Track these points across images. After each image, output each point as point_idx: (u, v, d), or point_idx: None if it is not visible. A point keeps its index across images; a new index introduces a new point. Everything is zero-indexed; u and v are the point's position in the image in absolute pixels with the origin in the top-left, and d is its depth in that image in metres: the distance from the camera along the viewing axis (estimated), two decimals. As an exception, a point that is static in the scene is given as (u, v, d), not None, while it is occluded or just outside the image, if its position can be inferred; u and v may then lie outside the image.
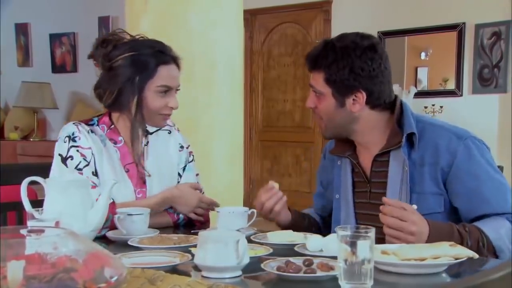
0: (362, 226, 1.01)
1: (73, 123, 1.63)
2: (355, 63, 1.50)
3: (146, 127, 1.67)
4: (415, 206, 1.39)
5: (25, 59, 6.95)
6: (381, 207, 1.36)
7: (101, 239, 1.46)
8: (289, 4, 5.64)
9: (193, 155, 1.80)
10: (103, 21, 6.15)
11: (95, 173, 1.59)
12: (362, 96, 1.52)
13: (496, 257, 1.41)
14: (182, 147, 1.77)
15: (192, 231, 1.54)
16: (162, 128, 1.75)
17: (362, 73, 1.50)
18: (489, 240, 1.39)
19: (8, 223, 1.83)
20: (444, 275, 1.15)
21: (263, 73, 6.02)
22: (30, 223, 1.22)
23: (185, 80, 2.79)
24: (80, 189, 1.38)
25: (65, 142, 1.60)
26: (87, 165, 1.58)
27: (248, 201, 5.47)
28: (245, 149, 3.66)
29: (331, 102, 1.55)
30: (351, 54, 1.51)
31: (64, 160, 1.59)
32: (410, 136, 1.51)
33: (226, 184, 2.85)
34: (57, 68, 6.69)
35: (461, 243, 1.35)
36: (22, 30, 6.91)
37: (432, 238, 1.33)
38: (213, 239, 1.11)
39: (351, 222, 1.61)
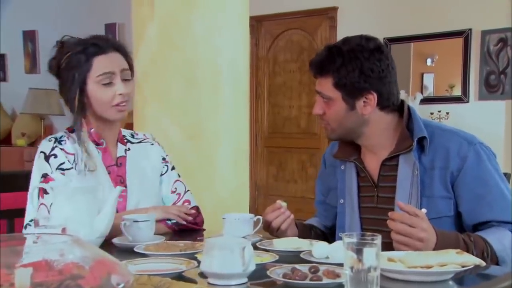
0: (369, 233, 1.01)
1: (64, 132, 1.65)
2: (364, 65, 1.50)
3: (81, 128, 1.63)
4: (424, 210, 1.39)
5: (32, 66, 6.99)
6: (390, 213, 1.35)
7: (108, 245, 1.46)
8: (295, 11, 5.66)
9: (167, 166, 1.78)
10: (110, 28, 6.18)
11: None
12: (373, 98, 1.52)
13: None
14: (163, 158, 1.78)
15: (198, 238, 1.55)
16: (144, 141, 1.76)
17: (372, 75, 1.50)
18: (493, 250, 1.39)
19: (16, 230, 1.83)
20: (450, 282, 1.14)
21: (268, 80, 6.03)
22: (36, 230, 1.22)
23: (190, 86, 2.83)
24: (86, 196, 1.39)
25: (50, 141, 1.61)
26: (71, 168, 1.56)
27: (254, 208, 5.47)
28: (250, 155, 3.66)
29: (341, 106, 1.53)
30: (359, 56, 1.50)
31: (47, 157, 1.57)
32: (420, 140, 1.51)
33: (231, 190, 2.85)
34: (64, 74, 6.72)
35: (467, 252, 1.35)
36: (29, 37, 6.96)
37: (439, 246, 1.32)
38: (219, 246, 1.11)
39: (356, 227, 1.60)
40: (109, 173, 1.64)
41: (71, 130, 1.65)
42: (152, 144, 1.78)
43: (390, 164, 1.56)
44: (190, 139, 2.75)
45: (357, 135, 1.58)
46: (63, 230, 1.20)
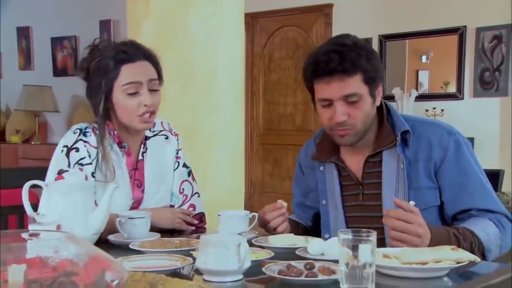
0: (364, 229, 1.01)
1: (90, 124, 1.61)
2: (378, 58, 1.54)
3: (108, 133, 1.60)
4: (412, 202, 1.41)
5: (26, 62, 6.96)
6: (386, 210, 1.36)
7: (103, 242, 1.46)
8: (290, 8, 5.65)
9: (178, 162, 1.74)
10: (105, 25, 6.16)
11: (93, 175, 1.56)
12: (381, 88, 1.55)
13: (484, 257, 1.43)
14: (176, 154, 1.75)
15: (193, 235, 1.54)
16: (159, 133, 1.72)
17: (381, 65, 1.55)
18: (480, 241, 1.41)
19: (9, 226, 1.83)
20: (445, 279, 1.14)
21: (264, 77, 6.03)
22: (31, 227, 1.22)
23: (186, 85, 2.82)
24: (82, 193, 1.38)
25: (74, 133, 1.57)
26: (90, 164, 1.55)
27: (249, 205, 5.47)
28: (246, 152, 3.66)
29: (369, 102, 1.51)
30: (371, 49, 1.54)
31: (68, 151, 1.55)
32: (403, 134, 1.53)
33: (227, 187, 2.85)
34: (59, 71, 6.70)
35: (458, 246, 1.36)
36: (23, 33, 6.92)
37: (433, 242, 1.33)
38: (215, 243, 1.11)
39: (341, 226, 1.61)
40: (130, 177, 1.62)
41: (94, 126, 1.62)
42: (167, 138, 1.73)
43: (373, 160, 1.57)
44: (186, 138, 2.74)
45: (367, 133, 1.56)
46: (58, 227, 1.20)
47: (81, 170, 1.54)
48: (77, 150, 1.55)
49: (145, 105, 1.56)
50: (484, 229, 1.43)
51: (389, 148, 1.53)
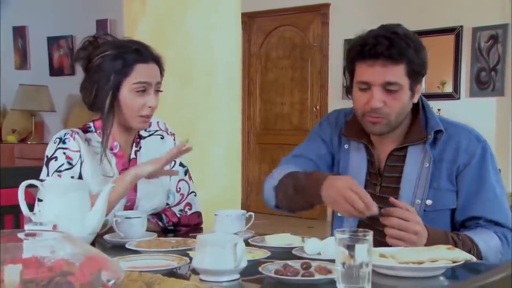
0: (360, 229, 1.01)
1: (71, 130, 1.63)
2: (426, 54, 1.49)
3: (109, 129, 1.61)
4: (429, 202, 1.43)
5: (22, 62, 6.94)
6: (383, 209, 1.35)
7: (99, 242, 1.46)
8: (287, 7, 5.65)
9: (174, 161, 1.73)
10: (101, 24, 6.15)
11: (80, 177, 1.56)
12: (421, 86, 1.53)
13: None
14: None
15: (190, 234, 1.54)
16: (155, 133, 1.73)
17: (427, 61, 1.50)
18: (478, 250, 1.40)
19: (5, 226, 1.82)
20: (442, 278, 1.15)
21: (261, 76, 6.03)
22: (27, 227, 1.22)
23: (183, 83, 2.81)
24: (78, 192, 1.38)
25: (54, 143, 1.60)
26: (69, 169, 1.56)
27: (246, 204, 5.47)
28: (243, 152, 3.67)
29: (407, 95, 1.48)
30: (421, 44, 1.48)
31: (48, 161, 1.57)
32: (434, 133, 1.51)
33: (224, 187, 2.85)
34: (55, 71, 6.69)
35: None
36: (19, 33, 6.91)
37: (430, 242, 1.33)
38: (211, 243, 1.11)
39: None
40: None
41: (83, 130, 1.63)
42: (162, 138, 1.74)
43: (398, 154, 1.54)
44: (183, 137, 2.74)
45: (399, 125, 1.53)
46: (54, 227, 1.19)
47: (60, 176, 1.55)
48: (56, 159, 1.57)
49: (150, 107, 1.59)
50: (486, 240, 1.42)
51: (416, 144, 1.51)
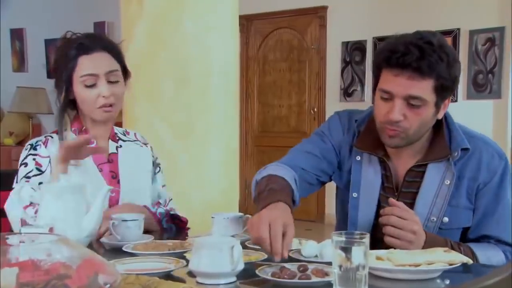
0: (357, 232, 1.01)
1: (45, 135, 1.65)
2: (458, 69, 1.38)
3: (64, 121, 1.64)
4: (446, 219, 1.41)
5: (20, 64, 6.94)
6: (382, 210, 1.35)
7: (96, 245, 1.46)
8: (285, 10, 5.66)
9: (160, 167, 1.79)
10: (99, 26, 6.15)
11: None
12: (448, 102, 1.42)
13: None
14: (155, 160, 1.78)
15: (186, 237, 1.54)
16: (134, 142, 1.75)
17: (458, 79, 1.40)
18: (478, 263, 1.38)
19: (2, 229, 1.82)
20: (438, 280, 1.15)
21: (258, 79, 6.03)
22: (23, 230, 1.21)
23: (180, 85, 2.82)
24: (74, 195, 1.38)
25: (26, 149, 1.62)
26: (38, 175, 1.57)
27: (244, 207, 5.46)
28: (240, 154, 3.66)
29: (431, 112, 1.38)
30: (456, 57, 1.37)
31: (19, 167, 1.60)
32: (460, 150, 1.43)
33: (221, 189, 2.85)
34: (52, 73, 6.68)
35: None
36: (17, 35, 6.90)
37: (428, 245, 1.33)
38: (208, 245, 1.11)
39: (368, 224, 1.49)
40: (100, 170, 1.64)
41: (74, 125, 1.65)
42: (142, 146, 1.77)
43: (417, 170, 1.46)
44: (180, 139, 2.75)
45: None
46: (51, 229, 1.19)
47: (28, 181, 1.56)
48: (26, 165, 1.59)
49: (103, 97, 1.58)
50: (489, 256, 1.39)
51: (437, 161, 1.44)
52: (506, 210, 1.45)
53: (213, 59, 2.82)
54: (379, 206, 1.48)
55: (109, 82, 1.59)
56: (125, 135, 1.76)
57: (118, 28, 3.14)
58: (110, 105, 1.59)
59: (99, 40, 1.62)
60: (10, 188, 1.58)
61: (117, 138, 1.72)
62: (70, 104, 1.64)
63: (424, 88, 1.34)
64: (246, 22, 5.82)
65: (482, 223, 1.45)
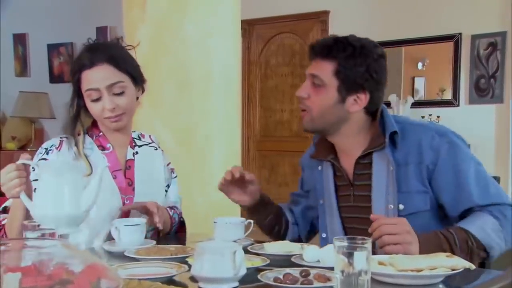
0: (359, 237, 1.01)
1: (61, 137, 1.66)
2: (371, 65, 1.50)
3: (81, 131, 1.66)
4: (401, 206, 1.45)
5: (22, 69, 6.95)
6: (369, 229, 1.36)
7: (98, 250, 1.46)
8: (287, 15, 5.67)
9: (175, 173, 1.83)
10: (101, 31, 6.16)
11: None
12: (364, 98, 1.52)
13: (487, 253, 1.43)
14: (164, 166, 1.79)
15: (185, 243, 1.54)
16: (149, 144, 1.77)
17: (375, 76, 1.51)
18: (476, 239, 1.40)
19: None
20: (441, 286, 1.15)
21: (260, 83, 6.03)
22: (26, 234, 1.22)
23: (182, 89, 2.82)
24: (72, 173, 1.38)
25: (40, 153, 1.64)
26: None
27: (246, 212, 5.46)
28: (242, 158, 3.66)
29: (332, 96, 1.52)
30: (369, 54, 1.51)
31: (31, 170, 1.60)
32: (392, 136, 1.52)
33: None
34: (55, 78, 6.69)
35: (450, 246, 1.37)
36: (20, 40, 6.92)
37: (423, 246, 1.34)
38: (210, 250, 1.11)
39: (337, 226, 1.62)
40: (114, 177, 1.64)
41: (78, 133, 1.67)
42: (156, 149, 1.78)
43: (364, 162, 1.56)
44: (182, 143, 2.75)
45: (333, 131, 1.57)
46: (53, 234, 1.19)
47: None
48: (34, 169, 1.58)
49: (108, 109, 1.59)
50: (481, 226, 1.42)
51: (379, 150, 1.53)
52: (472, 177, 1.48)
53: (214, 64, 2.83)
54: (341, 208, 1.61)
55: (114, 94, 1.58)
56: (140, 139, 1.76)
57: (120, 33, 3.15)
58: (118, 116, 1.60)
59: (101, 53, 1.59)
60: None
61: (134, 144, 1.72)
62: (87, 110, 1.65)
63: (323, 69, 1.51)
64: (248, 26, 5.83)
65: (457, 200, 1.48)
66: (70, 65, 1.68)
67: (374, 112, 1.57)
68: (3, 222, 1.55)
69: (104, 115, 1.60)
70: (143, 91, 1.68)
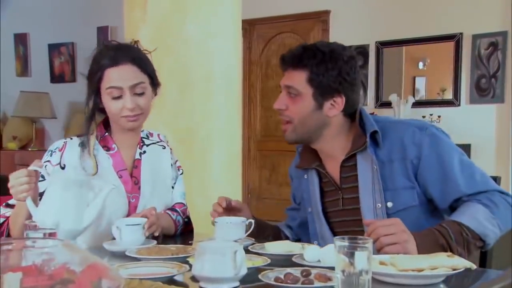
0: (360, 237, 1.01)
1: (65, 139, 1.68)
2: (343, 68, 1.52)
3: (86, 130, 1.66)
4: (390, 204, 1.46)
5: (23, 69, 6.96)
6: (365, 234, 1.36)
7: (99, 250, 1.46)
8: (288, 14, 5.67)
9: (182, 169, 1.84)
10: (102, 31, 6.17)
11: None
12: (341, 101, 1.54)
13: (483, 242, 1.43)
14: (172, 164, 1.80)
15: (189, 242, 1.54)
16: (157, 143, 1.77)
17: (348, 79, 1.52)
18: (470, 229, 1.41)
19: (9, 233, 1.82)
20: (442, 286, 1.14)
21: (261, 83, 6.03)
22: (27, 234, 1.22)
23: (183, 90, 2.82)
24: (82, 188, 1.43)
25: (46, 155, 1.65)
26: (41, 181, 1.57)
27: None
28: (243, 158, 3.67)
29: (309, 104, 1.54)
30: (339, 58, 1.52)
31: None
32: (373, 135, 1.53)
33: (224, 193, 2.83)
34: (56, 78, 6.70)
35: (446, 240, 1.38)
36: (21, 40, 6.93)
37: (420, 245, 1.34)
38: (211, 250, 1.11)
39: (326, 232, 1.63)
40: (120, 177, 1.65)
41: (80, 135, 1.68)
42: (164, 148, 1.79)
43: (348, 164, 1.57)
44: (183, 143, 2.75)
45: (316, 137, 1.58)
46: (54, 234, 1.19)
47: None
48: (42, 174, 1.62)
49: (128, 109, 1.61)
50: (473, 216, 1.42)
51: (362, 151, 1.53)
52: (456, 167, 1.49)
53: (215, 64, 2.83)
54: (329, 214, 1.63)
55: (135, 94, 1.61)
56: (148, 138, 1.77)
57: (121, 33, 3.15)
58: (136, 115, 1.62)
59: (127, 52, 1.62)
60: (5, 194, 1.59)
61: (142, 143, 1.74)
62: (99, 109, 1.67)
63: (296, 79, 1.53)
64: (249, 26, 5.83)
65: (445, 192, 1.49)
66: (90, 65, 1.69)
67: (353, 114, 1.58)
68: (7, 215, 1.56)
69: (122, 114, 1.61)
70: (155, 95, 1.70)
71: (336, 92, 1.52)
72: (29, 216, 1.44)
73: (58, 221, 1.37)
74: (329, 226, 1.63)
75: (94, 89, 1.61)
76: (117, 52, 1.61)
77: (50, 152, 1.65)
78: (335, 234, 1.61)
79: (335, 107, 1.54)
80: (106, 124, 1.70)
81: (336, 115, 1.55)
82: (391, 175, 1.51)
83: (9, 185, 1.46)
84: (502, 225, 1.44)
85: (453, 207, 1.50)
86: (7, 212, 1.58)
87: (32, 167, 1.45)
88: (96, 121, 1.68)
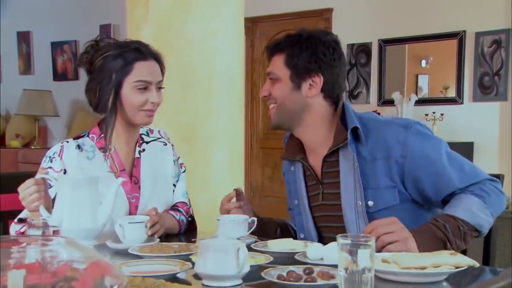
0: (362, 234, 1.01)
1: (61, 142, 1.67)
2: (318, 47, 1.53)
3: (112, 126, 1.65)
4: (371, 203, 1.47)
5: (26, 67, 6.97)
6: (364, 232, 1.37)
7: (102, 247, 1.46)
8: (290, 12, 5.66)
9: (184, 167, 1.84)
10: (105, 29, 6.17)
11: None
12: (319, 81, 1.54)
13: (479, 232, 1.44)
14: (174, 161, 1.80)
15: (192, 240, 1.55)
16: (158, 140, 1.76)
17: (324, 58, 1.53)
18: (465, 221, 1.41)
19: (9, 231, 1.82)
20: (444, 283, 1.14)
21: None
22: (30, 232, 1.22)
23: (186, 88, 2.82)
24: (91, 186, 1.44)
25: (44, 161, 1.65)
26: (50, 186, 1.58)
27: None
28: (246, 156, 3.67)
29: (287, 85, 1.55)
30: (315, 40, 1.54)
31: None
32: (355, 131, 1.52)
33: (226, 191, 2.82)
34: (59, 76, 6.71)
35: (443, 233, 1.38)
36: (23, 38, 6.94)
37: (418, 240, 1.35)
38: (214, 248, 1.11)
39: (311, 226, 1.63)
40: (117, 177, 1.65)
41: (76, 137, 1.68)
42: (165, 144, 1.79)
43: (331, 160, 1.57)
44: (186, 142, 2.75)
45: (298, 121, 1.57)
46: (57, 232, 1.20)
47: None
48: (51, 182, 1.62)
49: (152, 103, 1.63)
50: (467, 208, 1.43)
51: (344, 146, 1.53)
52: (445, 162, 1.49)
53: (218, 62, 2.83)
54: (312, 208, 1.62)
55: (157, 89, 1.65)
56: (148, 135, 1.77)
57: (123, 31, 3.15)
58: (154, 110, 1.65)
59: (150, 49, 1.66)
60: (12, 191, 1.59)
61: (142, 141, 1.73)
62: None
63: (275, 64, 1.57)
64: (251, 24, 5.82)
65: (437, 187, 1.49)
66: (107, 59, 1.67)
67: (336, 104, 1.58)
68: (22, 230, 1.56)
69: (144, 107, 1.62)
70: None
71: (313, 71, 1.53)
72: None
73: (75, 223, 1.40)
74: (313, 220, 1.63)
75: (117, 82, 1.60)
76: (144, 47, 1.64)
77: (49, 158, 1.64)
78: (317, 228, 1.62)
79: (314, 87, 1.54)
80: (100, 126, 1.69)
81: (315, 95, 1.55)
82: (374, 174, 1.50)
83: (20, 197, 1.47)
84: (494, 212, 1.46)
85: (445, 200, 1.50)
86: (21, 227, 1.57)
87: (38, 176, 1.46)
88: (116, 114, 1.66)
